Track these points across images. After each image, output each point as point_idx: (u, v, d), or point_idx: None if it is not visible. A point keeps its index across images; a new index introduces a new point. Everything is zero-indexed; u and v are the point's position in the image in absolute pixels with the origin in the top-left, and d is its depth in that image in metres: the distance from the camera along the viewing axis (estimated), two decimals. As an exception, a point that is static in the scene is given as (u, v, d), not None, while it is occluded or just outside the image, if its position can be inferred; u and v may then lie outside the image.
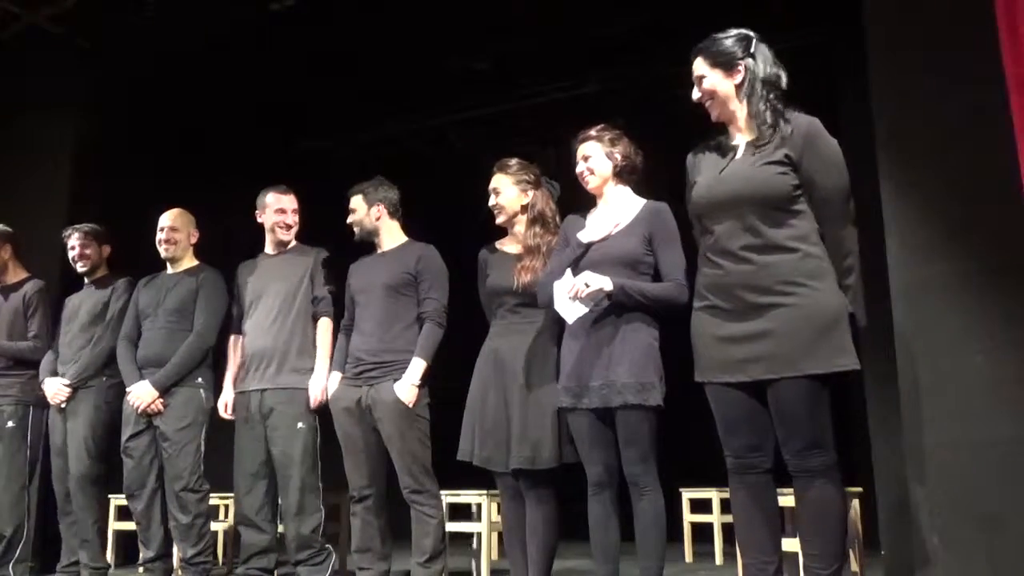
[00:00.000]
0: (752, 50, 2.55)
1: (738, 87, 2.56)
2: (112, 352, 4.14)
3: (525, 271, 3.20)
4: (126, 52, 5.37)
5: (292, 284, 3.87)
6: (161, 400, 3.92)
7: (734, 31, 2.60)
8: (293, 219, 4.00)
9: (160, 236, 4.14)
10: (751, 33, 2.59)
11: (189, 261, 4.19)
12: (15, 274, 4.58)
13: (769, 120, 2.50)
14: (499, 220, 3.40)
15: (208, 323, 4.02)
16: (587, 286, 2.80)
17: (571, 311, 2.86)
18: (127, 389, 3.99)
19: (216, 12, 5.05)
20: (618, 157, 3.07)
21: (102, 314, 4.23)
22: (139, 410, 3.92)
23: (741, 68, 2.55)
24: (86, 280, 4.41)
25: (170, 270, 4.19)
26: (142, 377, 3.96)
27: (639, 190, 3.13)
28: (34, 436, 4.34)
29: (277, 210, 3.98)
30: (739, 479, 2.52)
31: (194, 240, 4.20)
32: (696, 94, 2.63)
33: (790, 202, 2.45)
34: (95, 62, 5.43)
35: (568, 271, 2.89)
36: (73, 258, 4.38)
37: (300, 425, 3.72)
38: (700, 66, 2.60)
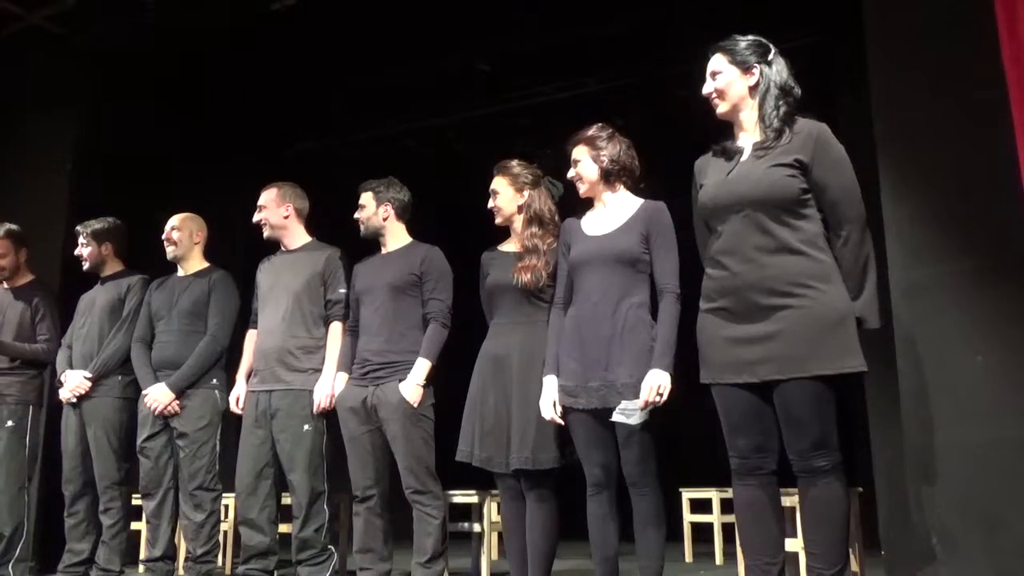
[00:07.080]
0: (769, 58, 2.59)
1: (752, 88, 2.59)
2: (128, 350, 4.13)
3: (524, 270, 3.21)
4: (126, 52, 5.37)
5: (301, 283, 3.84)
6: (177, 402, 3.92)
7: (753, 36, 2.63)
8: (258, 216, 3.95)
9: (164, 238, 4.15)
10: (771, 44, 2.62)
11: (199, 263, 4.18)
12: (23, 277, 4.58)
13: (776, 125, 2.52)
14: (497, 221, 3.41)
15: (221, 325, 4.02)
16: (660, 395, 2.76)
17: (635, 416, 2.82)
18: (143, 392, 3.98)
19: (216, 12, 5.05)
20: (605, 160, 3.05)
21: (117, 310, 4.21)
22: (156, 412, 3.92)
23: (756, 71, 2.58)
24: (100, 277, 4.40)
25: (180, 272, 4.17)
26: (157, 379, 3.96)
27: (638, 190, 3.13)
28: (33, 435, 4.33)
29: (257, 208, 3.97)
30: (743, 480, 2.52)
31: (198, 240, 4.17)
32: (708, 87, 2.64)
33: (798, 205, 2.46)
34: (95, 62, 5.43)
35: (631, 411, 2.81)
36: (78, 257, 4.40)
37: (306, 427, 3.69)
38: (718, 61, 2.62)
